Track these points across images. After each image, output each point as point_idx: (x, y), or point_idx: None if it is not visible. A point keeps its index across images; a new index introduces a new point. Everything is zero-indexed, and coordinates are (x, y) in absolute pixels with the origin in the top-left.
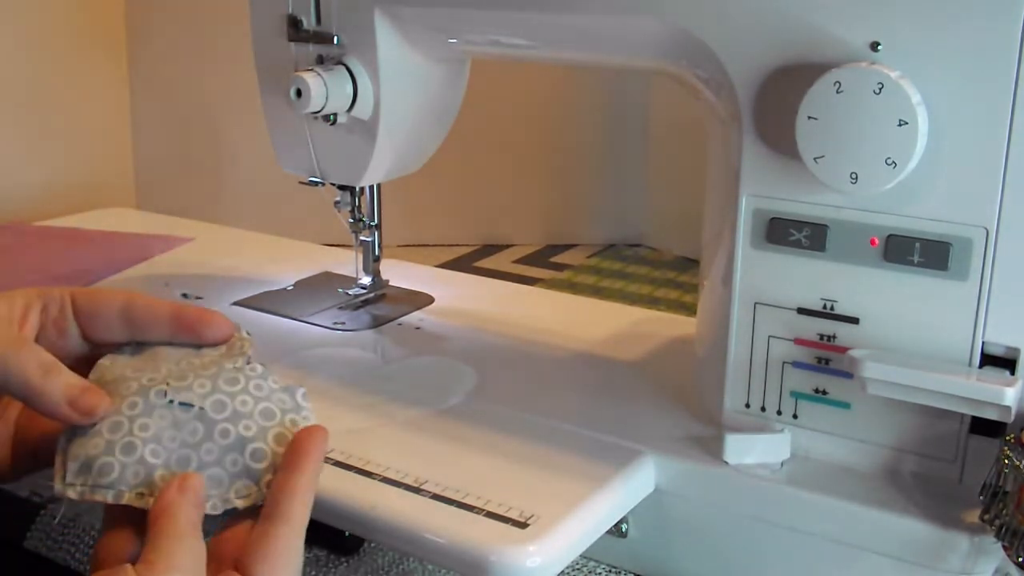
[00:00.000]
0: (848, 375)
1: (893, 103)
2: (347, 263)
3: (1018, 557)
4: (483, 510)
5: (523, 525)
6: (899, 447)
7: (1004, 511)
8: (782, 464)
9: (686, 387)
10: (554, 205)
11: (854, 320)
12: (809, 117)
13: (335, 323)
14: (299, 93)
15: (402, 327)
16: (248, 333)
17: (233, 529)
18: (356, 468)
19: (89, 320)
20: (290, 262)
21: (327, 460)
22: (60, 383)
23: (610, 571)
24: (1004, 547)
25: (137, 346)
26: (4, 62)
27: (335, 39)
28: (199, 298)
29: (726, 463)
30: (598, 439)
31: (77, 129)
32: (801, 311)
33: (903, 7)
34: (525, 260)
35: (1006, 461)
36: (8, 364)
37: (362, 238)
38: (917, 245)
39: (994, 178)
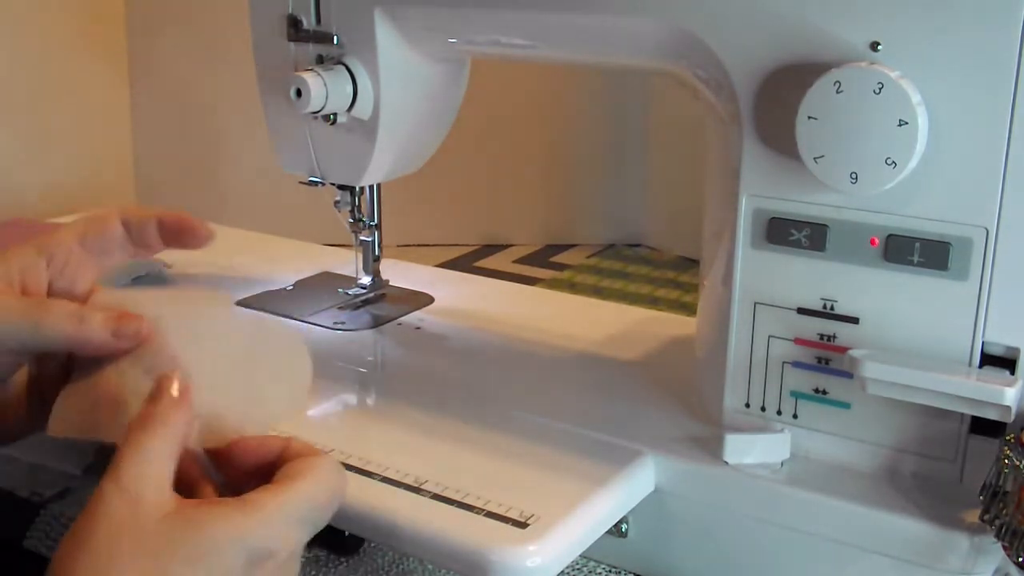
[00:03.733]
0: (848, 375)
1: (893, 103)
2: (347, 263)
3: (1018, 557)
4: (483, 510)
5: (523, 525)
6: (899, 447)
7: (1004, 511)
8: (782, 464)
9: (686, 387)
10: (554, 205)
11: (854, 320)
12: (809, 117)
13: (335, 323)
14: (299, 93)
15: (402, 327)
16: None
17: None
18: (356, 468)
19: (98, 257)
20: (290, 262)
21: None
22: (97, 323)
23: (610, 571)
24: (1004, 547)
25: None
26: (5, 62)
27: (335, 39)
28: None
29: (726, 463)
30: (598, 439)
31: (77, 129)
32: (801, 311)
33: (903, 7)
34: (525, 260)
35: (1006, 461)
36: (42, 328)
37: (362, 238)
38: (917, 245)
39: (994, 178)
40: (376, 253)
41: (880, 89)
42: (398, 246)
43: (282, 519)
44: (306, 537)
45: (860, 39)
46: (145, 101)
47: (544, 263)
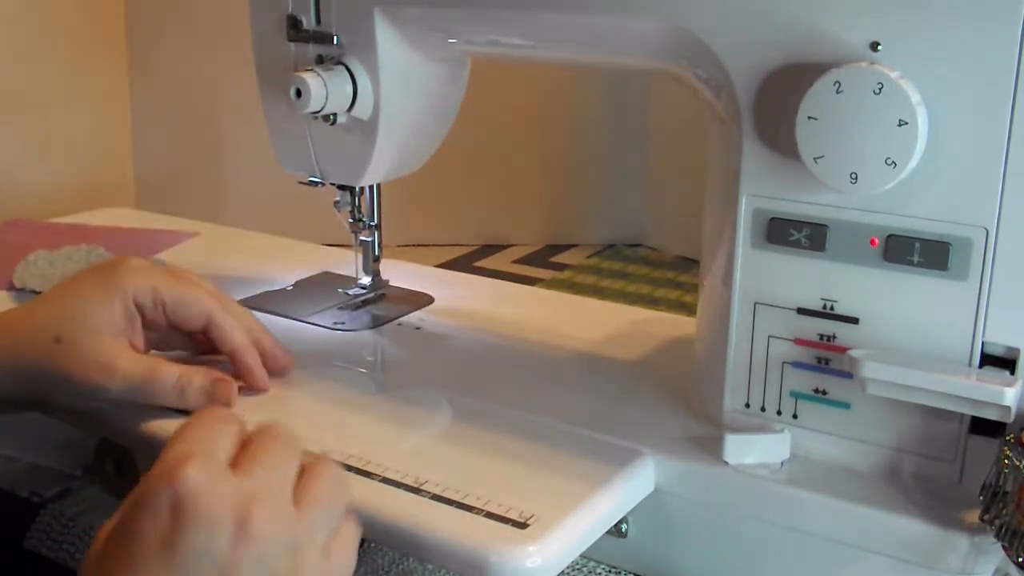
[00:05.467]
0: (848, 375)
1: (893, 103)
2: (347, 263)
3: (1018, 557)
4: (483, 510)
5: (523, 525)
6: (899, 447)
7: (1004, 511)
8: (782, 464)
9: (686, 387)
10: (554, 205)
11: (854, 320)
12: (809, 117)
13: (335, 323)
14: (299, 93)
15: (402, 327)
16: None
17: None
18: (356, 468)
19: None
20: (290, 262)
21: None
22: (194, 394)
23: (610, 571)
24: (1004, 547)
25: None
26: (5, 63)
27: (335, 39)
28: None
29: (726, 463)
30: (598, 439)
31: (77, 129)
32: (801, 311)
33: (903, 7)
34: (525, 260)
35: (1006, 461)
36: (148, 395)
37: (362, 238)
38: (917, 245)
39: (994, 178)
40: (376, 253)
41: (880, 89)
42: (398, 246)
43: None
44: None
45: (860, 39)
46: (145, 101)
47: (544, 263)
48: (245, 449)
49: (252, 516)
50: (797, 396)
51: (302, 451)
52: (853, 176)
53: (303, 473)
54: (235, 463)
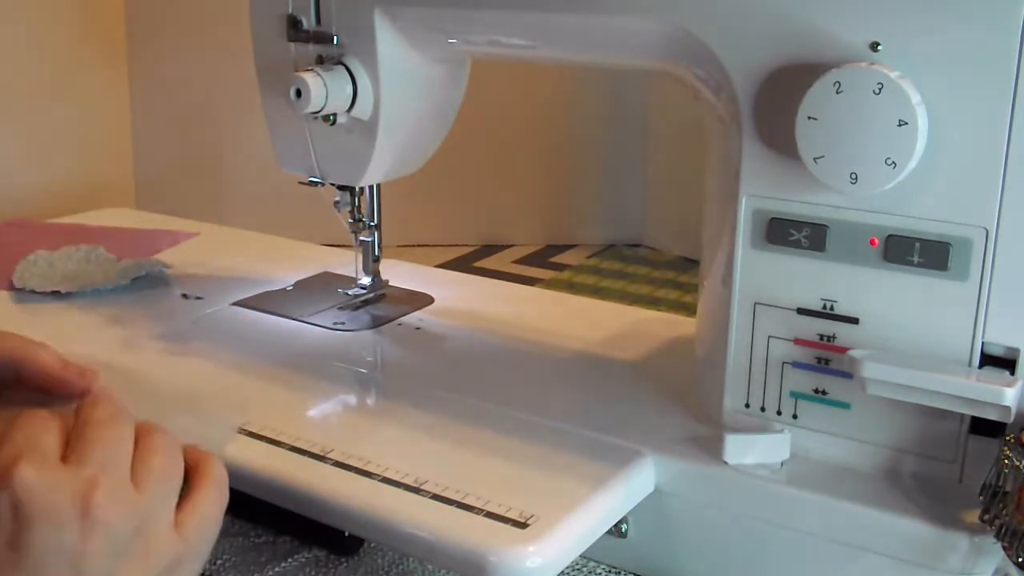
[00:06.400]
0: (848, 375)
1: (893, 103)
2: (347, 263)
3: (1018, 557)
4: (483, 510)
5: (523, 525)
6: (899, 447)
7: (1004, 511)
8: (782, 464)
9: (686, 387)
10: (554, 205)
11: (854, 320)
12: (809, 117)
13: (335, 323)
14: (299, 93)
15: (402, 327)
16: None
17: None
18: (356, 468)
19: None
20: (290, 262)
21: (327, 461)
22: (46, 353)
23: (610, 571)
24: (1004, 547)
25: None
26: (5, 63)
27: (335, 39)
28: (199, 298)
29: (726, 463)
30: (598, 439)
31: (77, 129)
32: (801, 311)
33: (903, 7)
34: (525, 260)
35: (1006, 461)
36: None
37: (362, 238)
38: (917, 245)
39: (994, 178)
40: (376, 253)
41: (880, 89)
42: (398, 246)
43: None
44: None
45: (860, 39)
46: (145, 101)
47: (544, 263)
48: (76, 434)
49: (94, 502)
50: (797, 396)
51: (132, 423)
52: (853, 176)
53: (136, 446)
54: (67, 453)
